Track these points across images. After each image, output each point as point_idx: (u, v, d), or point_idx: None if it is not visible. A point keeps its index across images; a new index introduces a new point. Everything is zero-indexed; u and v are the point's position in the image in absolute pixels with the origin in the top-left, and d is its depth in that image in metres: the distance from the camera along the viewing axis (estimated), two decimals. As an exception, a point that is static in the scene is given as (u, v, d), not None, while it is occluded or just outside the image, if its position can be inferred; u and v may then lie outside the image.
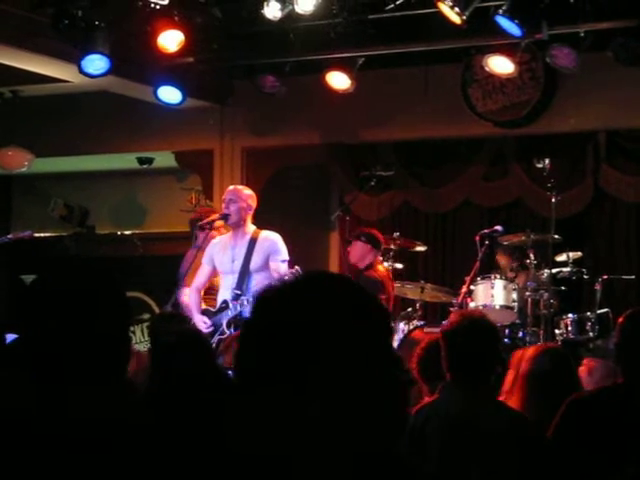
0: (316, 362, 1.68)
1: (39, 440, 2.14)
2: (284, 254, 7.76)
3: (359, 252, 8.95)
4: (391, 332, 1.83)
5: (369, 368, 1.72)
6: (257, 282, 7.65)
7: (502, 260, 9.41)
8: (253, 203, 7.95)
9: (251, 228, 7.92)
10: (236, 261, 7.83)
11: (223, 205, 7.96)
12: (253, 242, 7.81)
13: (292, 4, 8.16)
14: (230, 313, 7.71)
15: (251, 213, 7.94)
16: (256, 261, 7.76)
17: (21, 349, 2.31)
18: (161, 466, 1.97)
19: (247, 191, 8.05)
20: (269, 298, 1.78)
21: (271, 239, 7.84)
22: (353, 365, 1.71)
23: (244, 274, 7.78)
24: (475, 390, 4.25)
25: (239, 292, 7.74)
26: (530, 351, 4.93)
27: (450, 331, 4.35)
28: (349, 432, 1.70)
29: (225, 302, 7.79)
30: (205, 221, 8.24)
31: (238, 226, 7.88)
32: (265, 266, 7.74)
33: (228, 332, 7.58)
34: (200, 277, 8.08)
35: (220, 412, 1.75)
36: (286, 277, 6.59)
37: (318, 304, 1.74)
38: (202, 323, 7.76)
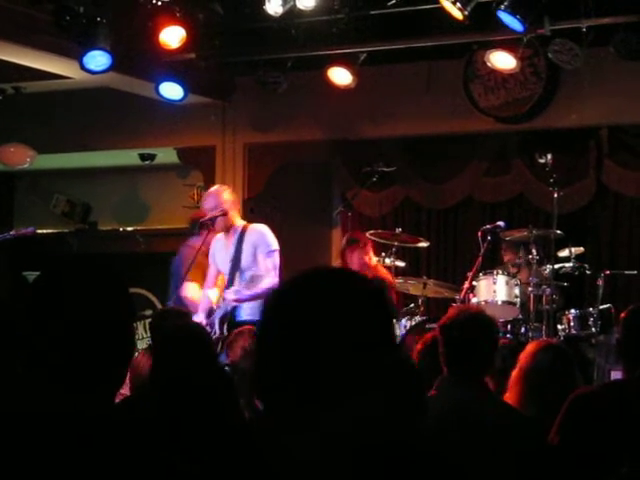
0: (322, 358, 1.69)
1: (30, 438, 2.14)
2: (271, 244, 7.67)
3: (359, 258, 9.00)
4: (390, 316, 1.84)
5: (375, 357, 1.73)
6: (247, 279, 7.62)
7: (507, 256, 9.39)
8: (234, 197, 7.94)
9: (240, 223, 7.88)
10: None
11: (207, 214, 7.88)
12: (242, 237, 7.75)
13: (294, 0, 8.16)
14: (220, 312, 7.69)
15: (237, 208, 7.92)
16: (246, 257, 7.68)
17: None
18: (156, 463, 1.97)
19: (224, 192, 7.92)
20: (273, 301, 1.80)
21: (257, 230, 7.77)
22: (359, 357, 1.72)
23: (234, 271, 7.73)
24: (471, 384, 4.23)
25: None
26: (530, 346, 4.89)
27: (447, 325, 4.33)
28: (365, 425, 1.71)
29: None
30: (207, 218, 8.23)
31: (229, 225, 7.83)
32: (256, 261, 7.69)
33: (219, 331, 7.55)
34: (209, 277, 8.06)
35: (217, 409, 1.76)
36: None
37: (318, 300, 1.75)
38: (202, 320, 7.77)
